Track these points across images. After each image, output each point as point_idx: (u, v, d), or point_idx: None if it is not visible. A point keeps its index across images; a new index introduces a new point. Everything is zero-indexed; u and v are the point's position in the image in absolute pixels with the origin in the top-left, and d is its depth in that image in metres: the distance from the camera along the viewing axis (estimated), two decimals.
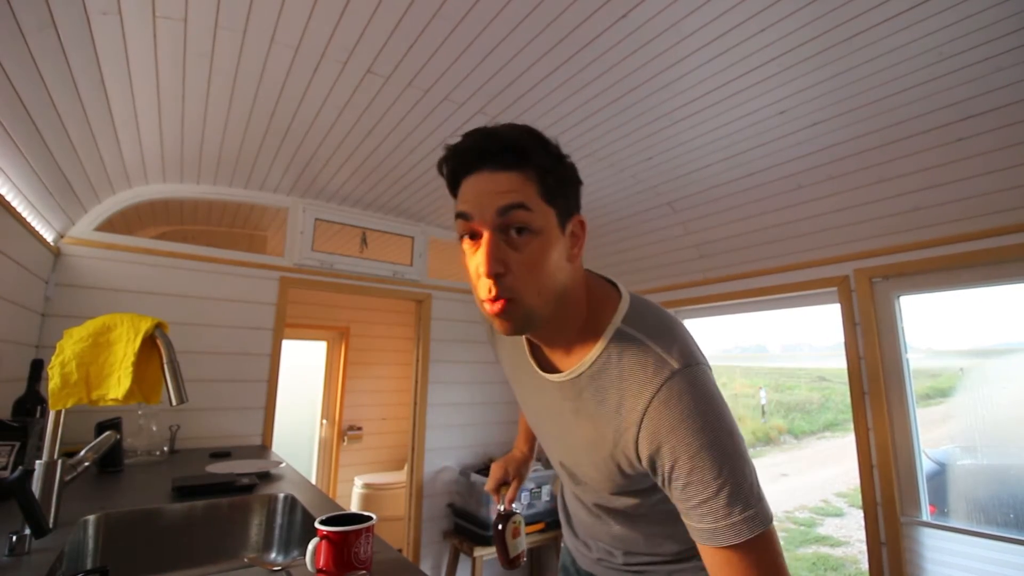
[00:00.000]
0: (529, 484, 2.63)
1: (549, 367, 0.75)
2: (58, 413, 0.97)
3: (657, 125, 1.70)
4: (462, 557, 2.66)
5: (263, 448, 2.19)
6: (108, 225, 2.12)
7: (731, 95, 1.51)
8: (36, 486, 0.95)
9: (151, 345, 1.03)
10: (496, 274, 0.59)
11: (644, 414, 0.60)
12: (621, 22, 1.24)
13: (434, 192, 2.41)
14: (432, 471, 2.76)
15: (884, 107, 1.47)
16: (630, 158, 1.93)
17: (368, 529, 0.80)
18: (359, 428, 4.26)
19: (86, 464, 1.06)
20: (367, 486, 3.72)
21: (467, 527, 2.59)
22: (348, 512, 0.85)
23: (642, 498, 0.74)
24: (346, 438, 4.19)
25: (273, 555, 1.28)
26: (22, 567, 0.81)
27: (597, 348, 0.67)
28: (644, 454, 0.62)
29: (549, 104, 1.61)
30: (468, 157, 0.63)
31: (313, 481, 3.68)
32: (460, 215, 0.62)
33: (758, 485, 0.58)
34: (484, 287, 0.60)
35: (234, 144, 1.92)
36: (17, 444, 1.20)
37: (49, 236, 1.86)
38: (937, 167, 1.60)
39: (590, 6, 1.19)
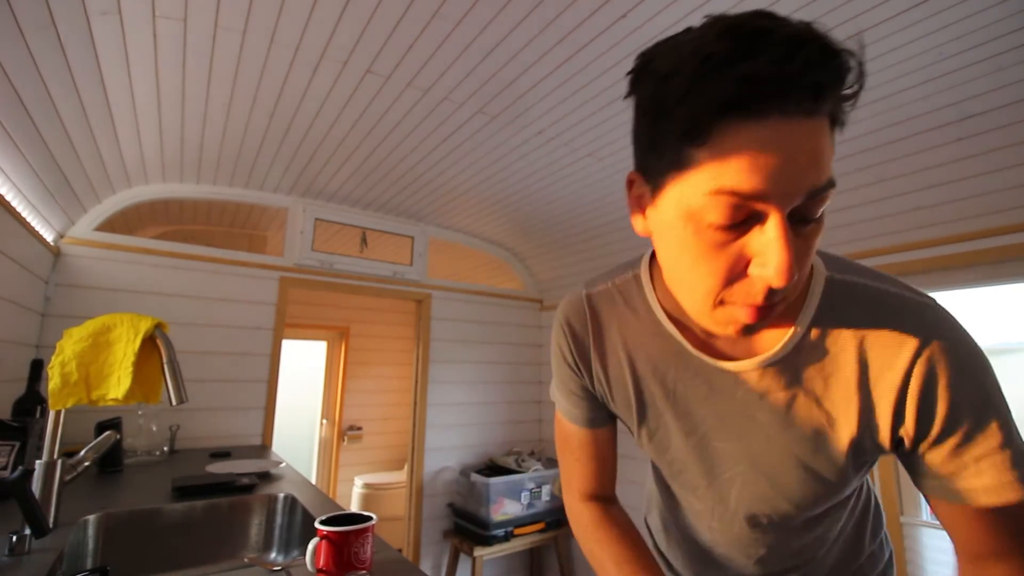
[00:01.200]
0: (529, 484, 2.63)
1: (724, 358, 0.56)
2: (58, 413, 0.97)
3: None
4: (462, 557, 2.66)
5: (263, 448, 2.19)
6: (108, 225, 2.12)
7: None
8: (36, 486, 0.95)
9: (151, 345, 1.04)
10: (789, 269, 0.39)
11: (911, 369, 0.48)
12: (621, 22, 1.24)
13: (434, 192, 2.41)
14: (432, 471, 2.76)
15: (883, 107, 1.47)
16: (630, 157, 1.93)
17: (368, 529, 0.80)
18: (359, 428, 4.26)
19: (86, 464, 1.06)
20: (367, 486, 3.72)
21: (467, 527, 2.59)
22: (348, 512, 0.85)
23: (832, 517, 0.63)
24: (346, 438, 4.19)
25: (273, 555, 1.28)
26: (22, 567, 0.81)
27: (810, 308, 0.51)
28: (911, 417, 0.49)
29: (549, 104, 1.61)
30: (767, 87, 0.36)
31: (313, 481, 3.68)
32: (733, 192, 0.38)
33: None
34: (752, 292, 0.42)
35: (234, 144, 1.92)
36: (17, 444, 1.20)
37: (49, 236, 1.86)
38: (937, 167, 1.60)
39: (590, 6, 1.19)
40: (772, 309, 0.44)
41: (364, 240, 2.75)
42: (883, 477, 1.79)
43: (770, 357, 0.53)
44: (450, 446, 2.85)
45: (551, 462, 2.98)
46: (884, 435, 0.51)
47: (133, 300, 2.07)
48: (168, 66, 1.39)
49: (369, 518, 0.82)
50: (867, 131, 1.58)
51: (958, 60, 1.27)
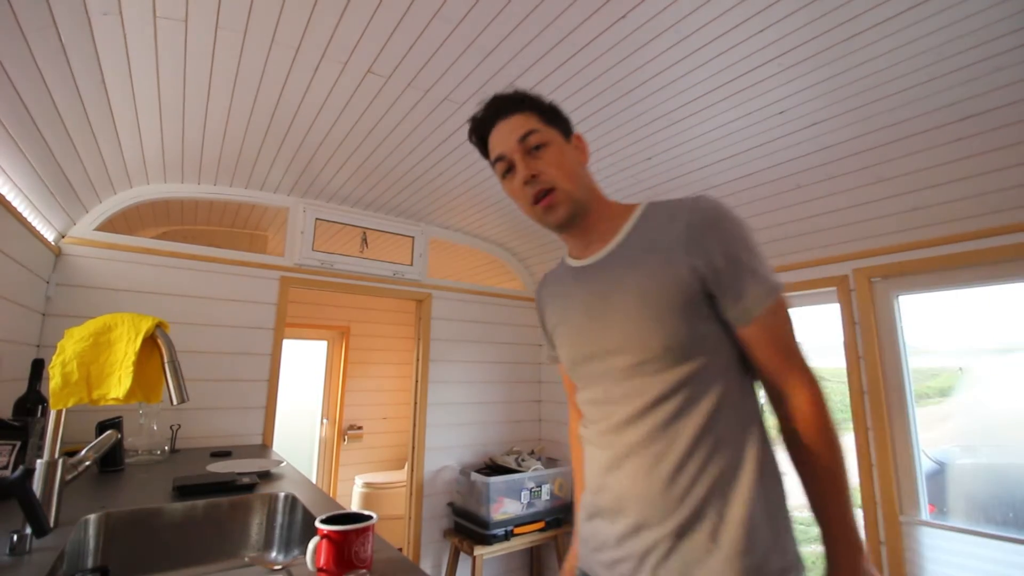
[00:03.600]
0: (529, 484, 2.64)
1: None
2: (59, 412, 0.97)
3: (657, 125, 1.70)
4: (462, 556, 2.66)
5: (264, 447, 2.19)
6: (109, 225, 2.13)
7: (730, 95, 1.51)
8: (37, 485, 0.96)
9: (152, 345, 1.04)
10: (532, 176, 0.79)
11: (687, 227, 0.73)
12: (620, 23, 1.25)
13: (434, 192, 2.41)
14: (432, 470, 2.76)
15: (883, 107, 1.47)
16: (630, 158, 1.93)
17: (368, 528, 0.81)
18: (359, 427, 4.26)
19: (87, 463, 1.07)
20: (367, 485, 3.73)
21: (467, 526, 2.59)
22: (349, 511, 0.86)
23: (680, 367, 0.71)
24: (346, 437, 4.19)
25: (274, 554, 1.28)
26: (23, 567, 0.81)
27: (637, 212, 0.83)
28: (698, 256, 0.71)
29: None
30: (488, 118, 0.85)
31: (314, 480, 3.68)
32: (497, 159, 0.83)
33: None
34: (529, 193, 0.80)
35: (235, 144, 1.92)
36: (18, 443, 1.20)
37: (50, 236, 1.87)
38: (936, 167, 1.60)
39: (589, 7, 1.20)
40: (552, 195, 0.80)
41: (364, 240, 2.76)
42: (882, 476, 1.79)
43: (614, 242, 0.82)
44: (450, 445, 2.85)
45: (551, 461, 2.98)
46: (686, 271, 0.72)
47: (134, 300, 2.08)
48: (169, 66, 1.39)
49: (369, 517, 0.82)
50: (867, 131, 1.58)
51: (958, 60, 1.27)
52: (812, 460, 0.70)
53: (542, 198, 0.79)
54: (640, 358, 0.73)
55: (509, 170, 0.82)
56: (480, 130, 0.86)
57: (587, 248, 0.85)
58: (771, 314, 0.71)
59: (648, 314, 0.73)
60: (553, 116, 0.84)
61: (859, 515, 1.83)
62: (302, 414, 4.20)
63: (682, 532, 0.69)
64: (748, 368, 0.76)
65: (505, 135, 0.82)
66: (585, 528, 0.84)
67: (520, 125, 0.81)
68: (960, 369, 1.90)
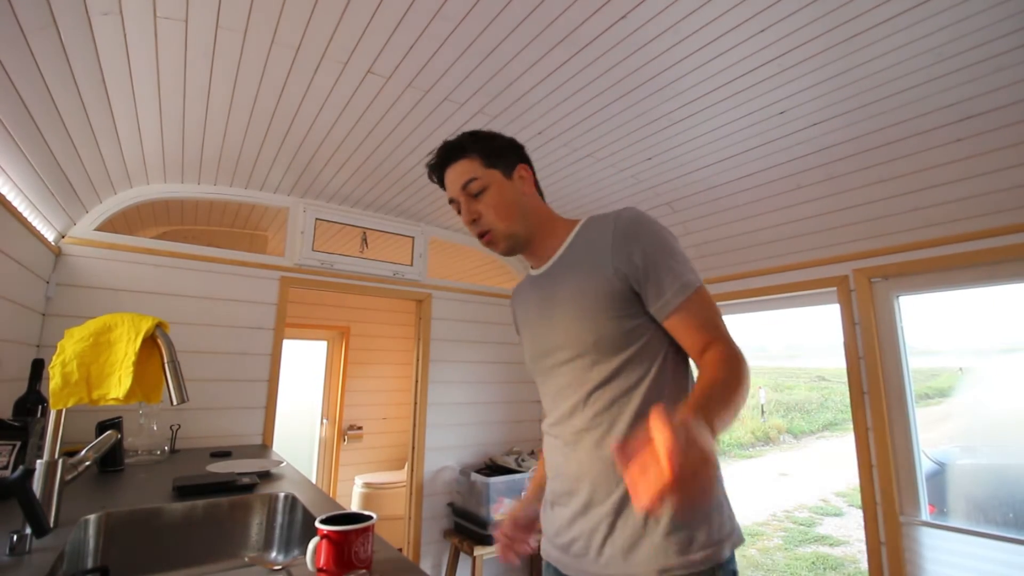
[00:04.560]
0: (529, 483, 2.63)
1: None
2: (59, 412, 0.97)
3: (657, 125, 1.70)
4: (462, 556, 2.66)
5: (264, 448, 2.19)
6: (109, 225, 2.13)
7: (730, 96, 1.51)
8: (37, 485, 0.96)
9: (152, 345, 1.04)
10: (472, 221, 0.93)
11: (612, 235, 0.84)
12: (621, 23, 1.25)
13: (434, 192, 2.41)
14: (432, 470, 2.76)
15: (883, 107, 1.47)
16: (630, 158, 1.93)
17: (368, 528, 0.81)
18: (359, 427, 4.26)
19: (87, 464, 1.07)
20: (367, 485, 3.73)
21: (467, 526, 2.59)
22: (348, 511, 0.86)
23: (613, 358, 0.82)
24: (346, 437, 4.19)
25: (274, 554, 1.28)
26: (23, 567, 0.81)
27: (578, 226, 0.94)
28: (621, 259, 0.82)
29: (549, 104, 1.61)
30: (437, 165, 0.98)
31: (313, 480, 3.68)
32: (450, 200, 0.97)
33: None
34: (474, 231, 0.95)
35: (235, 144, 1.92)
36: (18, 443, 1.20)
37: (50, 236, 1.87)
38: (936, 167, 1.60)
39: (590, 7, 1.20)
40: (490, 235, 0.93)
41: (364, 240, 2.76)
42: (882, 476, 1.79)
43: (559, 252, 0.94)
44: (450, 445, 2.85)
45: None
46: (613, 269, 0.83)
47: (134, 300, 2.07)
48: (169, 66, 1.39)
49: (369, 517, 0.82)
50: (867, 131, 1.58)
51: (958, 60, 1.27)
52: (707, 375, 0.73)
53: (483, 236, 0.94)
54: (577, 351, 0.84)
55: (459, 208, 0.97)
56: (437, 173, 0.99)
57: (541, 260, 0.97)
58: (691, 305, 0.78)
59: (581, 313, 0.84)
60: (495, 158, 0.94)
61: (861, 515, 1.83)
62: (302, 414, 4.20)
63: (620, 508, 0.78)
64: (683, 356, 0.85)
65: (452, 181, 0.95)
66: (545, 518, 0.96)
67: (463, 173, 0.93)
68: (960, 369, 1.91)
